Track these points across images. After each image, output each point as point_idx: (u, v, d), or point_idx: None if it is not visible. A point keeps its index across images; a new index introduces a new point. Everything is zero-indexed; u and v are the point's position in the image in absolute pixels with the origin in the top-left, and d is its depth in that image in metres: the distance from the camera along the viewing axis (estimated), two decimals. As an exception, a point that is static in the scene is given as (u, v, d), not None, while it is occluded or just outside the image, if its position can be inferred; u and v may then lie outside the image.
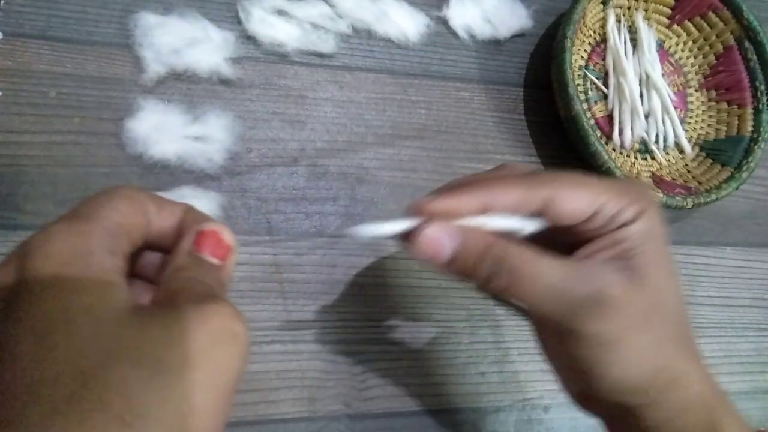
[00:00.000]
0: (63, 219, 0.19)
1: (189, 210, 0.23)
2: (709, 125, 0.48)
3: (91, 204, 0.20)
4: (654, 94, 0.46)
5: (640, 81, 0.46)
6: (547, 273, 0.23)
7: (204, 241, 0.22)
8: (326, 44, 0.41)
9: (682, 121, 0.47)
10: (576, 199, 0.23)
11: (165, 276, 0.21)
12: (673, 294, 0.24)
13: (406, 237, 0.24)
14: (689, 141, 0.47)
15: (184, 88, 0.38)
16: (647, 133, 0.46)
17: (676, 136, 0.47)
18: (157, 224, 0.22)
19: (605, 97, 0.46)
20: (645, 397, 0.24)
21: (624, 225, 0.23)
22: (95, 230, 0.19)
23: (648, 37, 0.47)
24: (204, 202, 0.36)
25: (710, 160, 0.46)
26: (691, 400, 0.24)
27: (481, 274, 0.23)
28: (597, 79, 0.46)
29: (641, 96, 0.46)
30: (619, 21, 0.47)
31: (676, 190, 0.43)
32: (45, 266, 0.17)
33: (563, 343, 0.24)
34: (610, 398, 0.24)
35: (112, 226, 0.19)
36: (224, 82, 0.39)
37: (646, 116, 0.46)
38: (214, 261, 0.22)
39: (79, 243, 0.18)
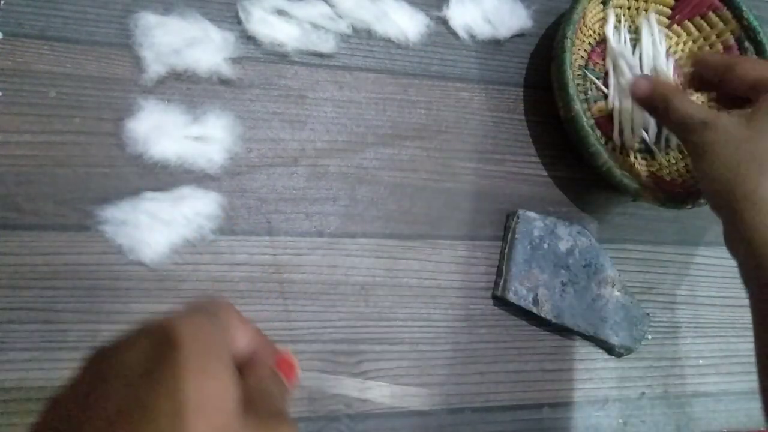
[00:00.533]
0: (195, 310, 0.21)
1: (257, 332, 0.25)
2: (709, 125, 0.48)
3: (210, 307, 0.22)
4: None
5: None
6: (687, 105, 0.35)
7: (283, 363, 0.24)
8: (326, 44, 0.41)
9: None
10: (749, 70, 0.35)
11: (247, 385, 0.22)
12: None
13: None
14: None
15: (184, 88, 0.38)
16: (648, 132, 0.46)
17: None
18: (239, 340, 0.23)
19: (605, 97, 0.46)
20: (734, 203, 0.32)
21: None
22: (222, 330, 0.20)
23: (653, 31, 0.47)
24: (204, 201, 0.36)
25: (710, 160, 0.46)
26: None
27: (655, 102, 0.37)
28: (597, 79, 0.46)
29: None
30: (619, 21, 0.47)
31: (676, 190, 0.43)
32: (191, 343, 0.18)
33: (689, 153, 0.38)
34: (710, 200, 0.35)
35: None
36: (224, 82, 0.39)
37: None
38: (286, 383, 0.24)
39: (219, 333, 0.20)
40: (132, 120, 0.35)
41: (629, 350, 0.42)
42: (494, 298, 0.41)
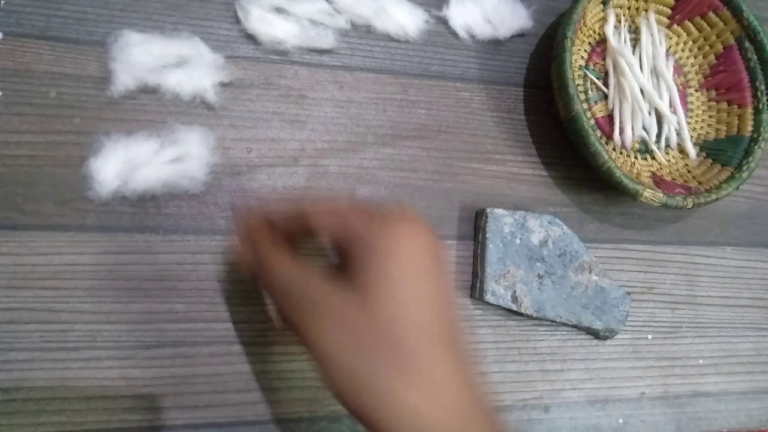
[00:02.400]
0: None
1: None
2: (709, 125, 0.48)
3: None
4: (663, 86, 0.46)
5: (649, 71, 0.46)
6: (285, 272, 0.27)
7: None
8: (326, 40, 0.41)
9: (682, 121, 0.47)
10: (324, 220, 0.27)
11: None
12: (394, 313, 0.24)
13: None
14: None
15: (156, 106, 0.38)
16: (649, 131, 0.46)
17: (681, 139, 0.46)
18: None
19: (605, 97, 0.46)
20: (362, 411, 0.24)
21: (362, 245, 0.25)
22: None
23: (653, 31, 0.47)
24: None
25: (710, 160, 0.46)
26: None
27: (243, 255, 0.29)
28: (597, 79, 0.46)
29: (643, 94, 0.46)
30: (619, 21, 0.47)
31: (676, 190, 0.43)
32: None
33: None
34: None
35: None
36: (207, 105, 0.38)
37: (649, 112, 0.46)
38: None
39: None
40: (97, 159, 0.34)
41: (614, 332, 0.42)
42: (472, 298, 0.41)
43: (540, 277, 0.40)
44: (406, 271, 0.25)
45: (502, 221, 0.40)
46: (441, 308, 0.25)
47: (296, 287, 0.26)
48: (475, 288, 0.41)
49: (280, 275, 0.27)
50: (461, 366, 0.25)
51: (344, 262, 0.27)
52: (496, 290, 0.39)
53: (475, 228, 0.42)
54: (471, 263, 0.41)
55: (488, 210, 0.41)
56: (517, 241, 0.41)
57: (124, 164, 0.34)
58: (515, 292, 0.40)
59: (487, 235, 0.40)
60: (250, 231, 0.29)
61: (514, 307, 0.39)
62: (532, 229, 0.41)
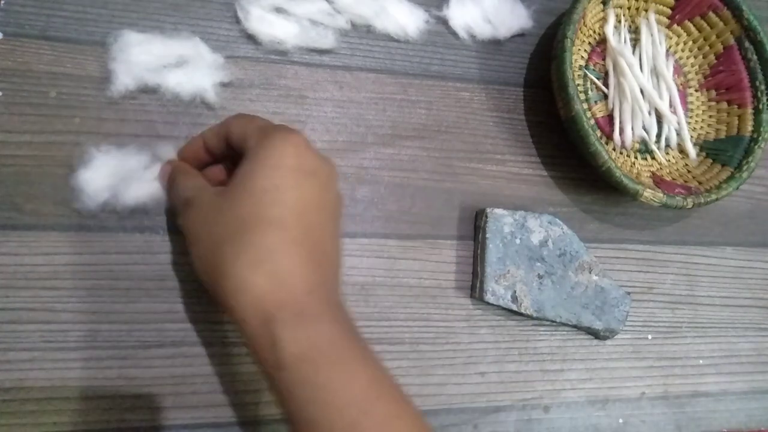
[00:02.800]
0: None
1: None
2: (709, 125, 0.48)
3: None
4: (663, 86, 0.46)
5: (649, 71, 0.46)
6: (182, 182, 0.31)
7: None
8: (326, 40, 0.41)
9: (682, 121, 0.47)
10: (236, 126, 0.31)
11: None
12: (250, 206, 0.27)
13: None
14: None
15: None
16: (649, 131, 0.46)
17: (681, 139, 0.46)
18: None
19: (605, 97, 0.46)
20: (219, 296, 0.26)
21: (247, 149, 0.29)
22: None
23: (653, 31, 0.47)
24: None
25: (710, 160, 0.46)
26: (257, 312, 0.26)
27: (165, 185, 0.34)
28: (597, 79, 0.46)
29: (643, 94, 0.46)
30: (619, 21, 0.47)
31: (676, 190, 0.43)
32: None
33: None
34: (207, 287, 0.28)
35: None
36: (207, 105, 0.38)
37: (649, 112, 0.46)
38: None
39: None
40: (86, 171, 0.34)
41: (614, 332, 0.42)
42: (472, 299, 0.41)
43: (540, 277, 0.40)
44: (270, 173, 0.27)
45: (502, 221, 0.40)
46: (299, 212, 0.27)
47: (183, 192, 0.31)
48: (475, 288, 0.40)
49: (178, 186, 0.31)
50: (308, 255, 0.27)
51: None
52: (496, 290, 0.39)
53: (475, 228, 0.42)
54: (471, 263, 0.41)
55: (488, 210, 0.41)
56: (517, 241, 0.40)
57: (114, 177, 0.34)
58: (515, 292, 0.39)
59: (487, 235, 0.40)
60: (168, 164, 0.34)
61: (514, 307, 0.39)
62: (532, 229, 0.41)
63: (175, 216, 0.33)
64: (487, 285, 0.39)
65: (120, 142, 0.36)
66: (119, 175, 0.34)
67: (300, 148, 0.28)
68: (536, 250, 0.41)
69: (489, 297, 0.39)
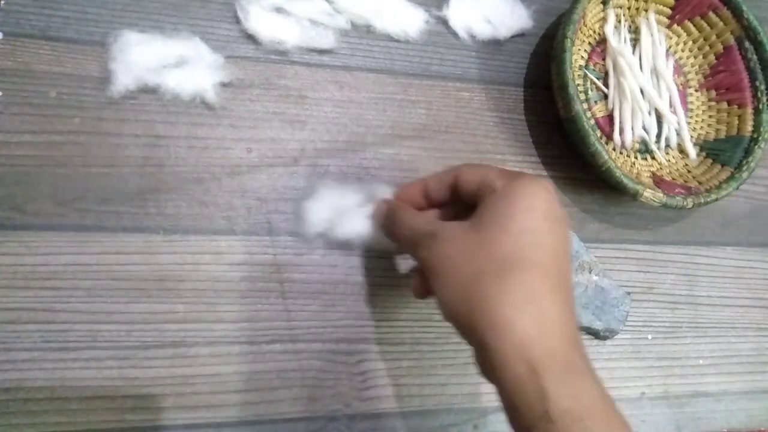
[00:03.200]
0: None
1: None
2: (709, 125, 0.48)
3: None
4: (663, 86, 0.46)
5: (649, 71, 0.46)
6: (411, 218, 0.31)
7: None
8: (326, 39, 0.41)
9: (682, 121, 0.47)
10: (471, 173, 0.31)
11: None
12: (510, 245, 0.27)
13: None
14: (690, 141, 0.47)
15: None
16: (649, 131, 0.46)
17: (681, 139, 0.46)
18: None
19: (605, 97, 0.46)
20: (478, 331, 0.26)
21: (492, 191, 0.29)
22: None
23: (653, 31, 0.47)
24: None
25: (710, 160, 0.46)
26: (518, 343, 0.25)
27: (384, 223, 0.34)
28: (597, 79, 0.46)
29: (643, 94, 0.46)
30: (619, 21, 0.47)
31: (676, 190, 0.43)
32: None
33: (425, 273, 0.30)
34: (455, 327, 0.28)
35: None
36: (207, 105, 0.38)
37: (649, 112, 0.46)
38: None
39: None
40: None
41: (614, 332, 0.42)
42: None
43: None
44: (526, 216, 0.27)
45: None
46: (554, 253, 0.27)
47: (421, 226, 0.30)
48: None
49: (407, 222, 0.31)
50: (566, 305, 0.27)
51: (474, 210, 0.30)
52: None
53: None
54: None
55: None
56: None
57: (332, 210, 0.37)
58: None
59: None
60: (385, 203, 0.34)
61: None
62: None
63: (381, 246, 0.34)
64: None
65: (341, 180, 0.39)
66: (337, 209, 0.36)
67: (550, 193, 0.28)
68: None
69: None
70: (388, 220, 0.33)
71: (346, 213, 0.36)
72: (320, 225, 0.36)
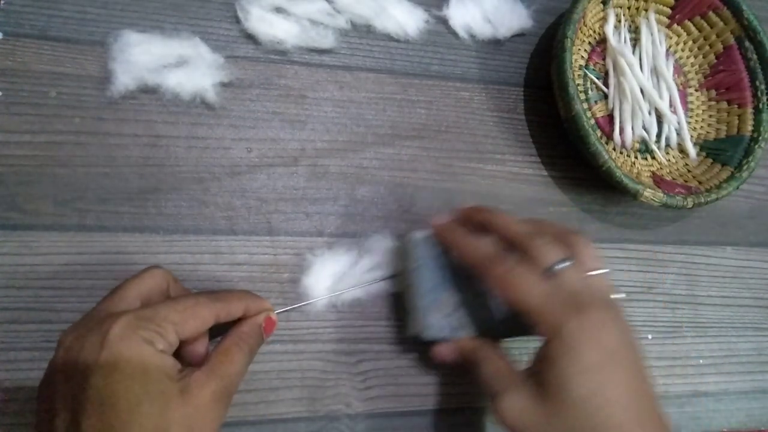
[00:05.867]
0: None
1: (244, 296, 0.32)
2: (709, 125, 0.48)
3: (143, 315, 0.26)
4: (663, 86, 0.46)
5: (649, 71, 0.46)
6: (489, 369, 0.32)
7: (270, 324, 0.33)
8: (326, 40, 0.41)
9: (682, 121, 0.47)
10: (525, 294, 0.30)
11: (232, 333, 0.30)
12: (586, 412, 0.27)
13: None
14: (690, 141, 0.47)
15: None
16: (649, 131, 0.46)
17: (681, 138, 0.46)
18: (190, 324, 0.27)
19: (605, 96, 0.46)
20: None
21: (556, 335, 0.28)
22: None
23: (653, 31, 0.47)
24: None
25: (710, 160, 0.46)
26: None
27: (467, 360, 0.34)
28: (597, 78, 0.46)
29: (643, 93, 0.46)
30: (619, 21, 0.47)
31: (677, 190, 0.43)
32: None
33: None
34: None
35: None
36: (207, 105, 0.38)
37: (649, 112, 0.46)
38: (266, 337, 0.32)
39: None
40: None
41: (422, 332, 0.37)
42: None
43: (481, 294, 0.35)
44: (592, 378, 0.27)
45: (429, 243, 0.35)
46: (636, 387, 0.28)
47: (493, 382, 0.31)
48: (408, 325, 0.36)
49: (483, 370, 0.32)
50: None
51: (542, 349, 0.29)
52: (435, 322, 0.34)
53: (400, 256, 0.38)
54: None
55: (411, 235, 0.36)
56: (451, 261, 0.35)
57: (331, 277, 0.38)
58: (458, 317, 0.34)
59: (418, 262, 0.35)
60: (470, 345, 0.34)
61: (459, 335, 0.34)
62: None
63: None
64: (425, 319, 0.34)
65: (337, 243, 0.39)
66: (336, 276, 0.38)
67: (618, 322, 0.29)
68: (466, 268, 0.34)
69: (429, 332, 0.34)
70: (470, 362, 0.33)
71: (346, 276, 0.38)
72: (323, 292, 0.37)
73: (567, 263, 0.30)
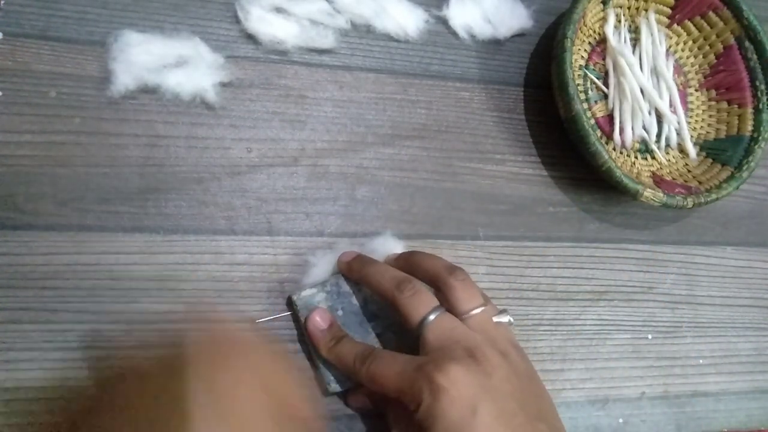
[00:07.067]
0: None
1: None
2: (709, 125, 0.48)
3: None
4: (663, 86, 0.46)
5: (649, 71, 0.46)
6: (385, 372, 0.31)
7: None
8: (326, 39, 0.41)
9: (682, 121, 0.47)
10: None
11: None
12: None
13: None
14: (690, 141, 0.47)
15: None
16: (649, 131, 0.46)
17: (681, 138, 0.46)
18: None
19: (605, 96, 0.46)
20: None
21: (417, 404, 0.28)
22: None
23: (653, 31, 0.47)
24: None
25: (710, 160, 0.46)
26: None
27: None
28: (597, 78, 0.46)
29: (643, 93, 0.46)
30: (619, 21, 0.47)
31: (676, 190, 0.43)
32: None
33: None
34: None
35: None
36: (207, 105, 0.38)
37: (649, 112, 0.46)
38: None
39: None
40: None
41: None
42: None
43: (380, 335, 0.35)
44: (459, 421, 0.27)
45: (314, 301, 0.35)
46: (506, 421, 0.28)
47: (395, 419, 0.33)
48: (317, 381, 0.36)
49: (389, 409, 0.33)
50: None
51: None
52: (337, 377, 0.34)
53: (292, 318, 0.37)
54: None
55: (294, 296, 0.35)
56: (339, 312, 0.35)
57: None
58: None
59: (303, 322, 0.35)
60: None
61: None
62: (351, 292, 0.36)
63: None
64: (326, 377, 0.34)
65: (337, 243, 0.39)
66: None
67: (482, 365, 0.29)
68: (365, 311, 0.36)
69: (334, 387, 0.34)
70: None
71: None
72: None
73: (433, 315, 0.31)
